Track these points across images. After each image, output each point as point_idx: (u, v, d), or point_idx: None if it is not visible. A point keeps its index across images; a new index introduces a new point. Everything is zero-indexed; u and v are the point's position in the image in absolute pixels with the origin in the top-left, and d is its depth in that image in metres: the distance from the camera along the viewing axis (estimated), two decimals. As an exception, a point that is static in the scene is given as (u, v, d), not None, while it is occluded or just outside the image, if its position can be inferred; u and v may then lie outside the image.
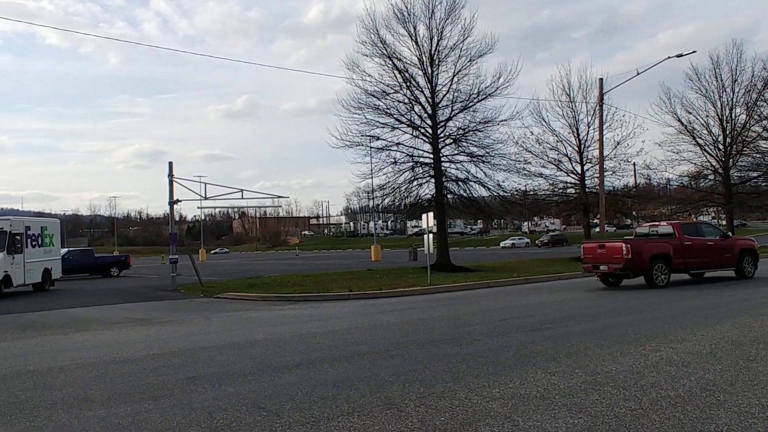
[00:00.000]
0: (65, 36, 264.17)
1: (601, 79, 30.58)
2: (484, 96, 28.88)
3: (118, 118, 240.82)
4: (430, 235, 22.48)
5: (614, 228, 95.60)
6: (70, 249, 43.02)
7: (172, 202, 25.79)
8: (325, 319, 13.85)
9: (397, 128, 29.83)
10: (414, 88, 29.46)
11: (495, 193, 31.09)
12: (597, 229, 37.70)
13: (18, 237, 23.81)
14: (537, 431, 5.07)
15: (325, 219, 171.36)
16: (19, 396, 7.07)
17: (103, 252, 62.37)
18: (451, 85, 29.13)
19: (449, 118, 29.65)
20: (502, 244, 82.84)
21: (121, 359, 9.38)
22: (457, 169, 30.35)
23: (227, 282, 26.38)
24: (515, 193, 36.06)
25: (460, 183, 30.18)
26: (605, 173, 31.72)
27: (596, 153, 32.29)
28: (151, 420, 5.79)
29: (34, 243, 25.22)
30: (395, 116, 29.55)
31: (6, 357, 10.19)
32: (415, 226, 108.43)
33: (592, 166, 34.60)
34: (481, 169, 29.83)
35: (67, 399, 6.83)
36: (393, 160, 29.75)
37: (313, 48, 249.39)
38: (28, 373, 8.48)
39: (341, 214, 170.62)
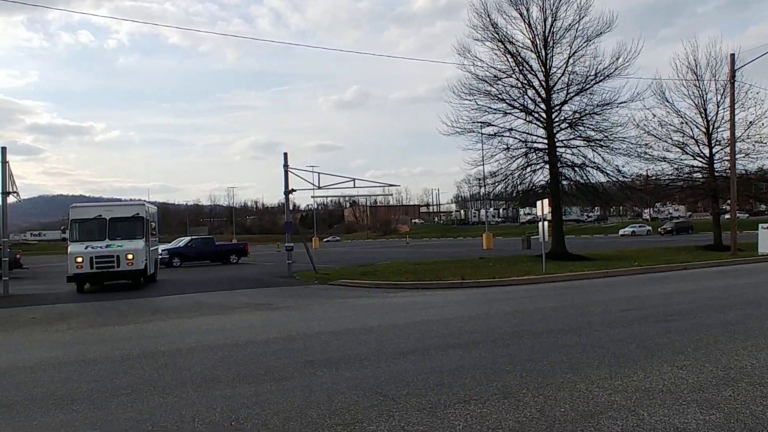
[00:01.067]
0: (186, 35, 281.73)
1: (732, 55, 28.35)
2: (602, 77, 27.51)
3: (235, 112, 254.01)
4: (545, 223, 21.87)
5: (746, 214, 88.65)
6: (193, 237, 45.63)
7: (287, 192, 26.67)
8: (438, 307, 13.84)
9: (510, 113, 29.11)
10: (527, 72, 28.63)
11: (614, 179, 29.59)
12: (727, 216, 35.05)
13: (153, 224, 23.26)
14: (664, 426, 4.80)
15: (435, 207, 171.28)
16: (152, 375, 7.58)
17: (222, 240, 65.59)
18: (566, 67, 28.05)
19: (564, 102, 28.61)
20: (621, 231, 79.12)
21: (243, 342, 9.83)
22: (573, 154, 29.21)
23: (340, 269, 27.00)
24: (636, 178, 34.22)
25: (576, 168, 29.05)
26: (737, 156, 29.42)
27: (726, 134, 30.06)
28: (274, 401, 6.01)
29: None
30: (507, 101, 28.86)
31: (140, 338, 10.97)
32: (528, 214, 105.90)
33: (721, 149, 32.15)
34: (599, 154, 28.53)
35: (195, 378, 7.24)
36: (505, 146, 29.10)
37: (422, 36, 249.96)
38: (160, 354, 9.08)
39: (451, 202, 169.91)
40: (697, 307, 11.68)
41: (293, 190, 26.87)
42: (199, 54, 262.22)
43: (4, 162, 21.44)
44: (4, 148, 21.51)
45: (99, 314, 14.77)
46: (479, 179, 34.63)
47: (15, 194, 22.75)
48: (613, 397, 5.63)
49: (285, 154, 26.47)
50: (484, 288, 18.02)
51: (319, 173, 26.71)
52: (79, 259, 19.95)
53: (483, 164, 31.05)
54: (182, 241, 41.11)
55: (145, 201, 21.52)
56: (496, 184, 30.48)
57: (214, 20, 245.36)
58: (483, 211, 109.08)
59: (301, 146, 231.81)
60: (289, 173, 26.30)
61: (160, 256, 30.73)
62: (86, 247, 20.21)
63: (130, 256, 20.38)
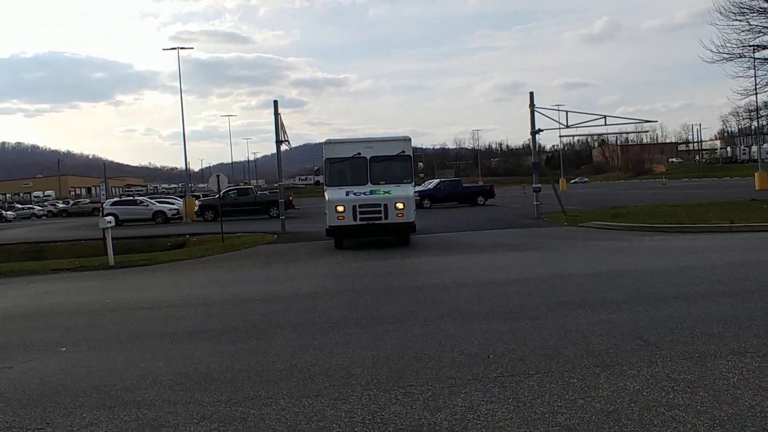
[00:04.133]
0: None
1: None
2: None
3: (479, 53, 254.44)
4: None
5: None
6: (442, 180, 47.21)
7: (534, 132, 26.14)
8: (701, 252, 12.74)
9: (793, 32, 24.97)
10: (820, -21, 24.13)
11: None
12: None
13: (420, 164, 19.78)
14: None
15: (695, 144, 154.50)
16: (413, 306, 8.18)
17: (468, 182, 66.74)
18: None
19: None
20: None
21: (495, 281, 10.11)
22: None
23: (590, 211, 25.97)
24: None
25: None
26: None
27: None
28: (529, 337, 6.14)
29: None
30: (790, 17, 24.73)
31: (399, 273, 11.87)
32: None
33: None
34: None
35: (452, 312, 7.66)
36: (786, 71, 25.15)
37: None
38: (418, 288, 9.74)
39: (715, 138, 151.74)
40: None
41: (540, 131, 26.26)
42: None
43: (277, 114, 24.18)
44: (275, 102, 24.23)
45: (361, 250, 16.19)
46: (750, 111, 30.49)
47: (286, 143, 25.72)
48: None
49: (531, 94, 25.88)
50: (759, 233, 16.01)
51: (566, 111, 25.70)
52: (341, 208, 16.40)
53: (756, 93, 27.29)
54: (431, 184, 42.78)
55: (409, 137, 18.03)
56: (774, 115, 26.57)
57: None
58: (755, 148, 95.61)
59: (547, 85, 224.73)
60: (535, 113, 25.72)
61: None
62: (347, 194, 16.73)
63: (400, 206, 16.32)
